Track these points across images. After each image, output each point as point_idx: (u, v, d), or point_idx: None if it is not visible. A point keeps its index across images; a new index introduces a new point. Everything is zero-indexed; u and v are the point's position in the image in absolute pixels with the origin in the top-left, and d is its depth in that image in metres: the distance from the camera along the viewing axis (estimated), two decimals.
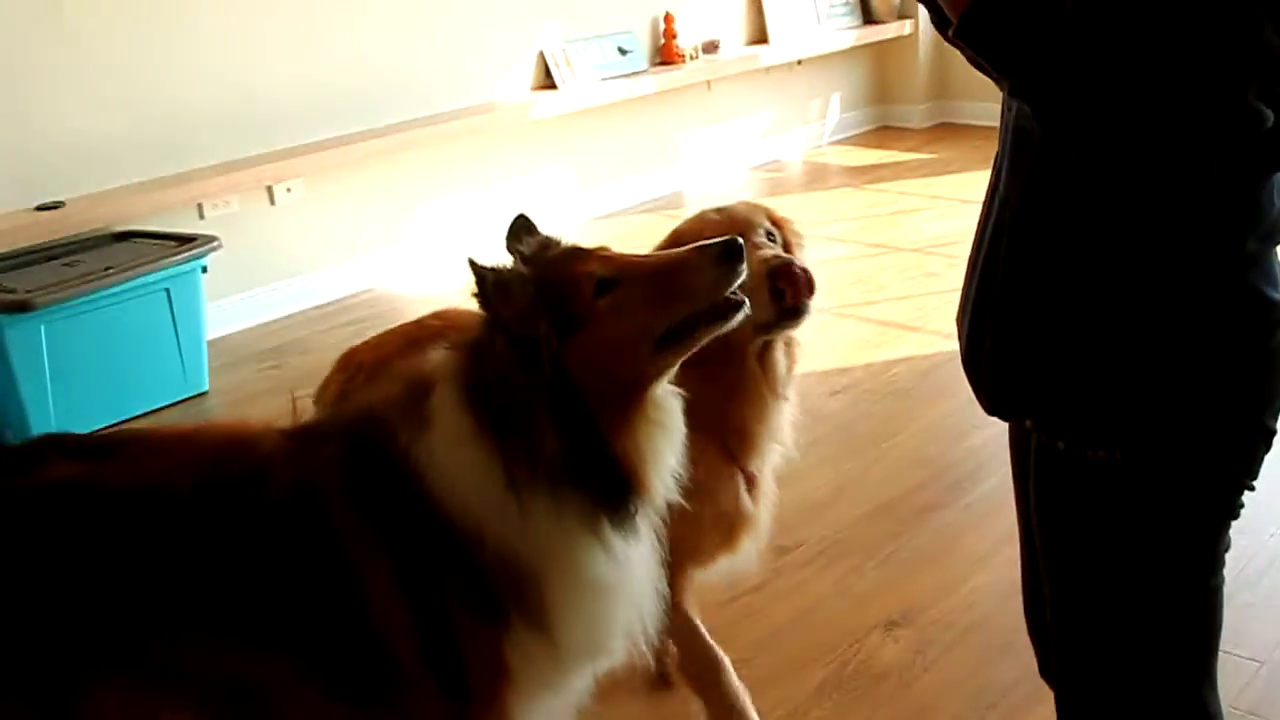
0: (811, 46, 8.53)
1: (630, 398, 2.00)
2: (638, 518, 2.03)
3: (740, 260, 1.97)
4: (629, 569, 2.08)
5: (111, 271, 4.93)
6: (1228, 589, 1.89)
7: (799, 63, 8.62)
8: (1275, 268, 1.77)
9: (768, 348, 2.57)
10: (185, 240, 5.27)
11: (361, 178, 6.44)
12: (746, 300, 2.03)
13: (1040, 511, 1.94)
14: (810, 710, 2.95)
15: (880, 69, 9.48)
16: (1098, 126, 1.58)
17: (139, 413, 5.05)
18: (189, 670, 2.16)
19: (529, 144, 7.19)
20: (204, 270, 5.24)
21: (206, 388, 5.32)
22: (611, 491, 1.99)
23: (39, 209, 5.31)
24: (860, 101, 9.45)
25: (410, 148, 6.51)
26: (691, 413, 2.20)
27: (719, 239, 2.00)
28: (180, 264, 5.12)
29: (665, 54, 7.78)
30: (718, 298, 1.99)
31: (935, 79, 9.44)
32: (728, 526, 2.65)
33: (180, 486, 2.13)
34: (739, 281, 1.99)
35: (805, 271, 2.46)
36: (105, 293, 4.90)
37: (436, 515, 2.01)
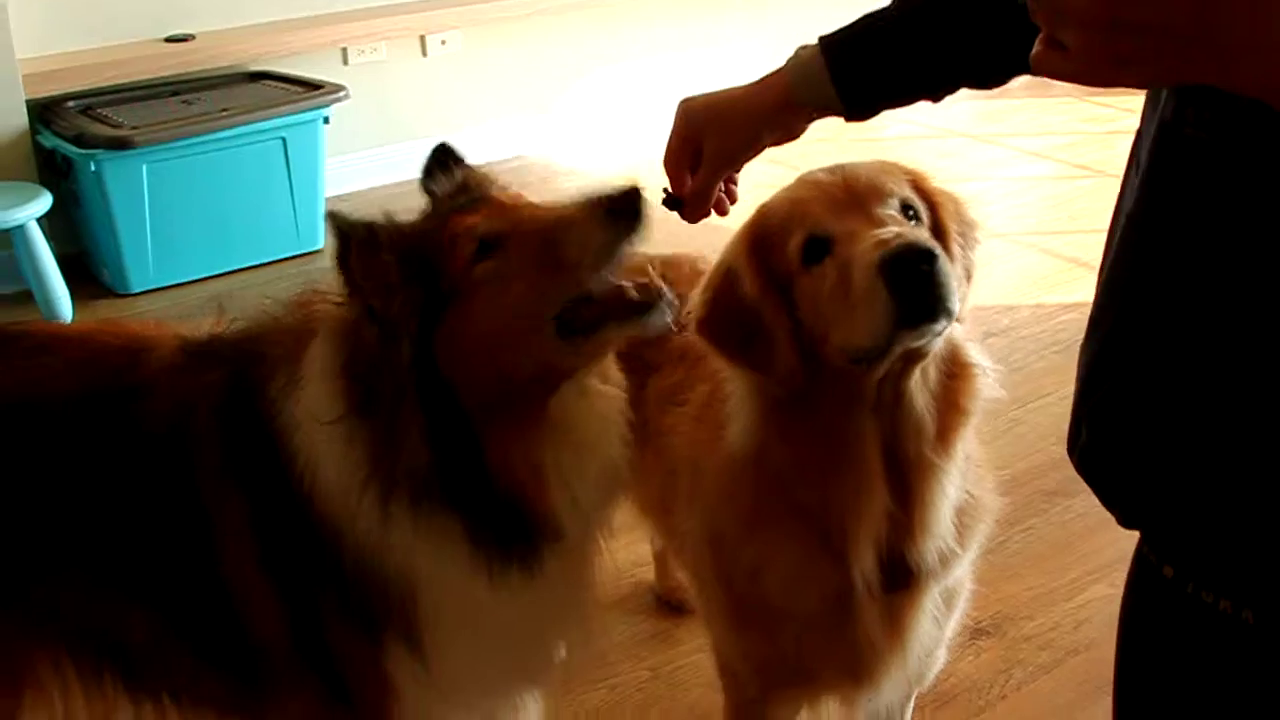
0: None
1: (522, 399, 1.58)
2: (541, 552, 1.61)
3: (636, 217, 1.51)
4: (530, 604, 1.68)
5: (225, 114, 4.66)
6: None
7: None
8: None
9: (901, 380, 1.64)
10: (314, 88, 4.94)
11: (524, 35, 6.01)
12: (665, 298, 1.56)
13: (1122, 649, 1.38)
14: None
15: None
16: None
17: (244, 266, 4.83)
18: (62, 611, 1.89)
19: (716, 12, 6.63)
20: (326, 121, 4.91)
21: (321, 245, 5.03)
22: (501, 519, 1.58)
23: (168, 40, 5.04)
24: None
25: (580, 6, 6.06)
26: (771, 473, 1.71)
27: (616, 187, 1.53)
28: (299, 112, 4.80)
29: None
30: (601, 267, 1.54)
31: None
32: (842, 651, 1.82)
33: (58, 397, 1.84)
34: (638, 236, 1.53)
35: (929, 263, 1.47)
36: (215, 136, 4.63)
37: (298, 494, 1.65)
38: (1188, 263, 1.18)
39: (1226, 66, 0.95)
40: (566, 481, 1.62)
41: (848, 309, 1.53)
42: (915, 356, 1.59)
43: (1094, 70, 1.01)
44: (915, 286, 1.46)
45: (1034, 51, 1.03)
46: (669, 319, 1.58)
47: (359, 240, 1.54)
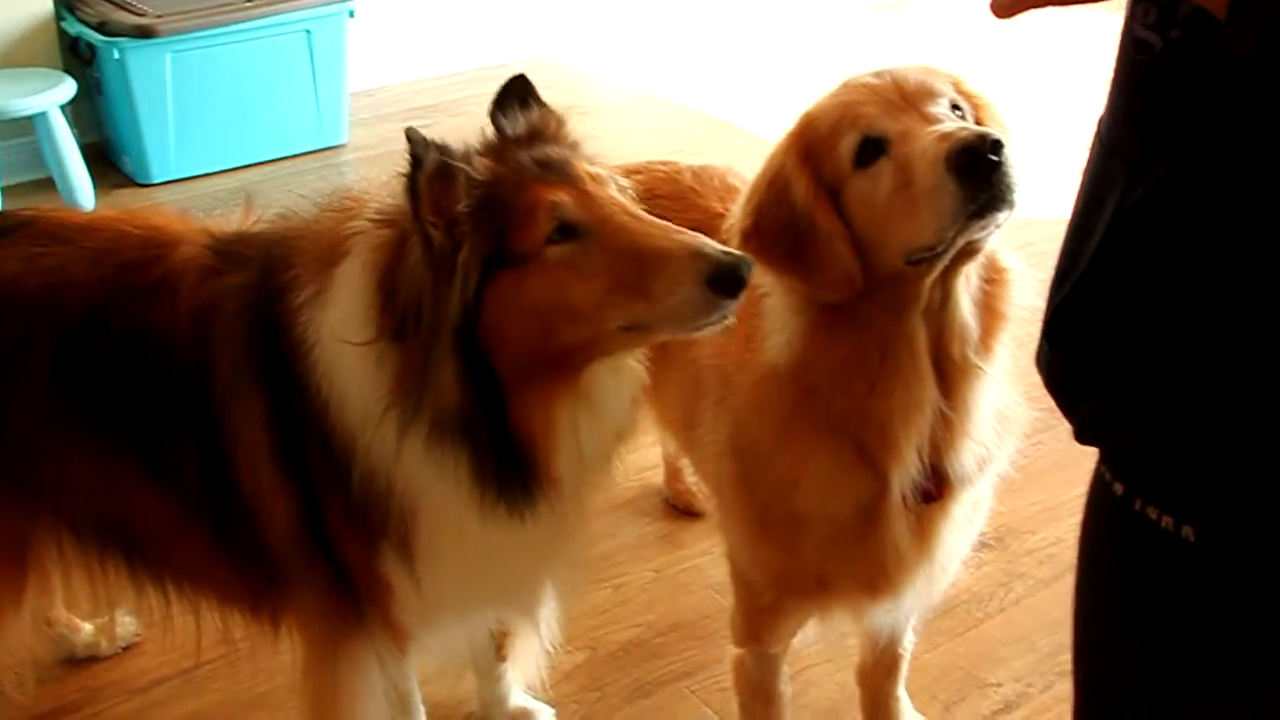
0: None
1: (557, 367, 1.59)
2: (535, 501, 1.63)
3: (737, 295, 1.50)
4: (518, 543, 1.72)
5: (250, 5, 4.64)
6: None
7: None
8: None
9: (949, 280, 1.63)
10: None
11: None
12: (731, 314, 1.55)
13: (1080, 562, 1.41)
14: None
15: None
16: None
17: (266, 159, 4.84)
18: (73, 491, 1.92)
19: None
20: (351, 14, 4.88)
21: (344, 140, 5.05)
22: (505, 464, 1.60)
23: None
24: None
25: None
26: (808, 385, 1.71)
27: (725, 252, 1.51)
28: (325, 4, 4.77)
29: None
30: (685, 323, 1.54)
31: None
32: (866, 562, 1.83)
33: (78, 285, 1.85)
34: (728, 311, 1.53)
35: (997, 152, 1.45)
36: (239, 26, 4.61)
37: (315, 400, 1.68)
38: (1135, 170, 1.20)
39: None
40: (577, 443, 1.65)
41: (909, 206, 1.52)
42: (969, 253, 1.58)
43: None
44: (982, 176, 1.45)
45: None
46: (730, 322, 1.58)
47: (435, 169, 1.51)
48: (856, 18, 6.72)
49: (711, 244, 1.52)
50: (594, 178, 1.60)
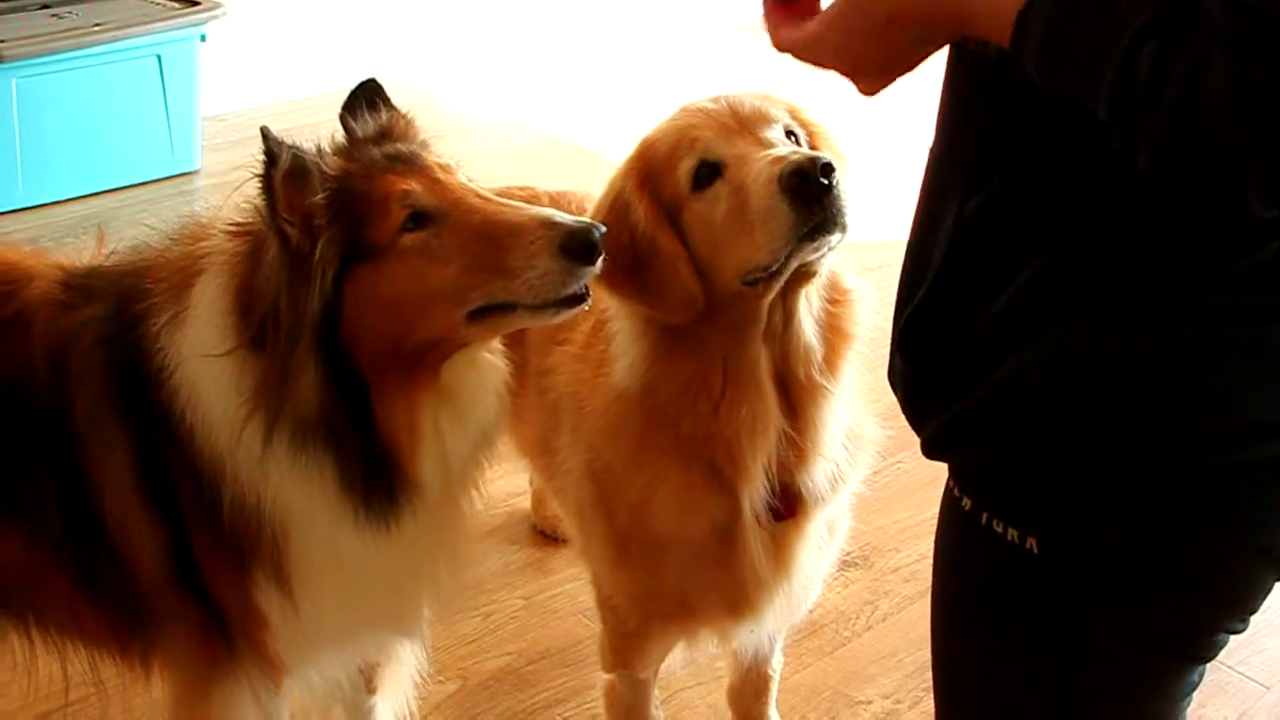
0: None
1: (416, 360, 1.59)
2: (402, 506, 1.63)
3: (592, 261, 1.52)
4: (392, 554, 1.71)
5: (97, 29, 4.53)
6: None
7: None
8: None
9: (789, 302, 1.67)
10: (191, 4, 4.81)
11: None
12: (588, 298, 1.57)
13: (935, 578, 1.45)
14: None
15: None
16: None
17: (117, 186, 4.74)
18: None
19: None
20: (203, 39, 4.80)
21: (197, 166, 4.95)
22: (371, 469, 1.60)
23: None
24: None
25: None
26: (655, 407, 1.73)
27: (576, 220, 1.53)
28: (175, 29, 4.68)
29: None
30: (545, 296, 1.54)
31: None
32: (726, 582, 1.84)
33: None
34: (586, 279, 1.54)
35: (827, 175, 1.49)
36: (87, 52, 4.51)
37: (179, 427, 1.65)
38: (971, 180, 1.24)
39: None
40: (440, 443, 1.65)
41: (744, 227, 1.55)
42: (805, 275, 1.62)
43: (869, 82, 1.23)
44: (814, 198, 1.49)
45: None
46: (587, 306, 1.59)
47: (288, 167, 1.51)
48: (721, 41, 6.77)
49: (562, 214, 1.55)
50: (443, 167, 1.62)
